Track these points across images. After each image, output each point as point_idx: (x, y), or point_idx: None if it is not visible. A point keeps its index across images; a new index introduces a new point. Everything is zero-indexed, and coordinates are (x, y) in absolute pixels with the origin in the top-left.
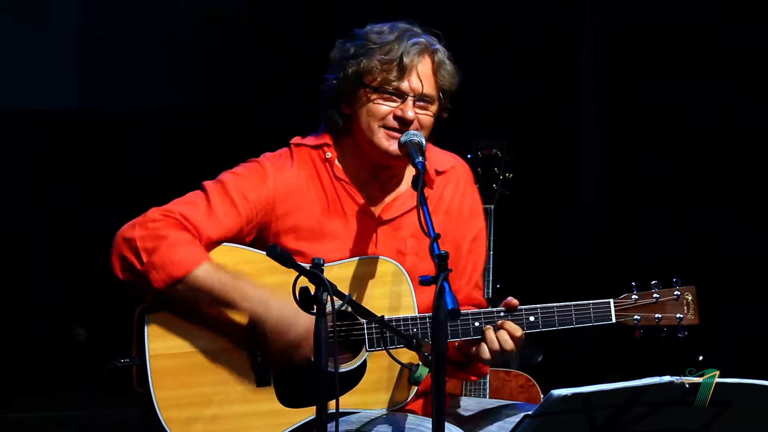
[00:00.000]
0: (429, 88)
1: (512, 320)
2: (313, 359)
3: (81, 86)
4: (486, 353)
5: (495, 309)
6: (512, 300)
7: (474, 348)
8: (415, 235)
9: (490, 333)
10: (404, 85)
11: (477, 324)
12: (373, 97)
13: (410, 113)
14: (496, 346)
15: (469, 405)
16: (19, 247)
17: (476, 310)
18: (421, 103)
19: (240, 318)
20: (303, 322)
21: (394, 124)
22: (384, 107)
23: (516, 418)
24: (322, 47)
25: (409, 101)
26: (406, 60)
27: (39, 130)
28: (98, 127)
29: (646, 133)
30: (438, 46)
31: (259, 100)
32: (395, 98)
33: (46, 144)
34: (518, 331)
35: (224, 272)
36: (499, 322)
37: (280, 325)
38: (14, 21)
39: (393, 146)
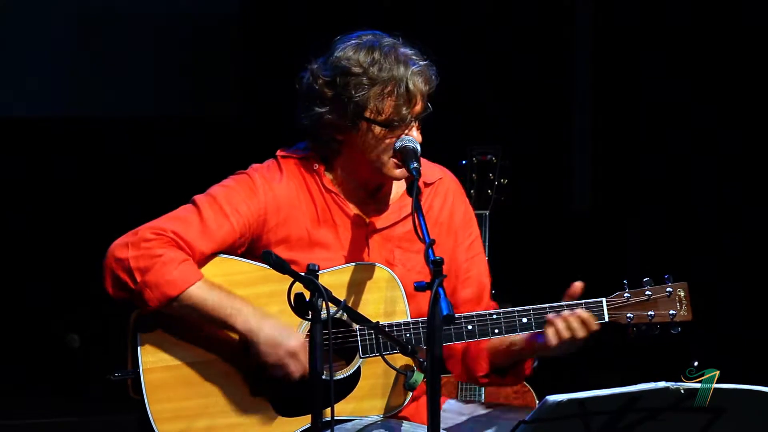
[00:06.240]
0: (425, 104)
1: (506, 323)
2: (301, 376)
3: (70, 93)
4: (553, 339)
5: (488, 313)
6: (577, 284)
7: (538, 339)
8: (402, 246)
9: (559, 321)
10: (411, 113)
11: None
12: (379, 131)
13: (419, 137)
14: (566, 334)
15: (463, 409)
16: (12, 253)
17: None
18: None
19: (233, 333)
20: (294, 338)
21: None
22: (392, 138)
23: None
24: (316, 54)
25: (413, 125)
26: (413, 89)
27: (36, 136)
28: (92, 134)
29: (640, 136)
30: (432, 67)
31: (247, 107)
32: (400, 124)
33: (40, 150)
34: (593, 324)
35: (218, 289)
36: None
37: (271, 341)
38: (7, 28)
39: (401, 172)
